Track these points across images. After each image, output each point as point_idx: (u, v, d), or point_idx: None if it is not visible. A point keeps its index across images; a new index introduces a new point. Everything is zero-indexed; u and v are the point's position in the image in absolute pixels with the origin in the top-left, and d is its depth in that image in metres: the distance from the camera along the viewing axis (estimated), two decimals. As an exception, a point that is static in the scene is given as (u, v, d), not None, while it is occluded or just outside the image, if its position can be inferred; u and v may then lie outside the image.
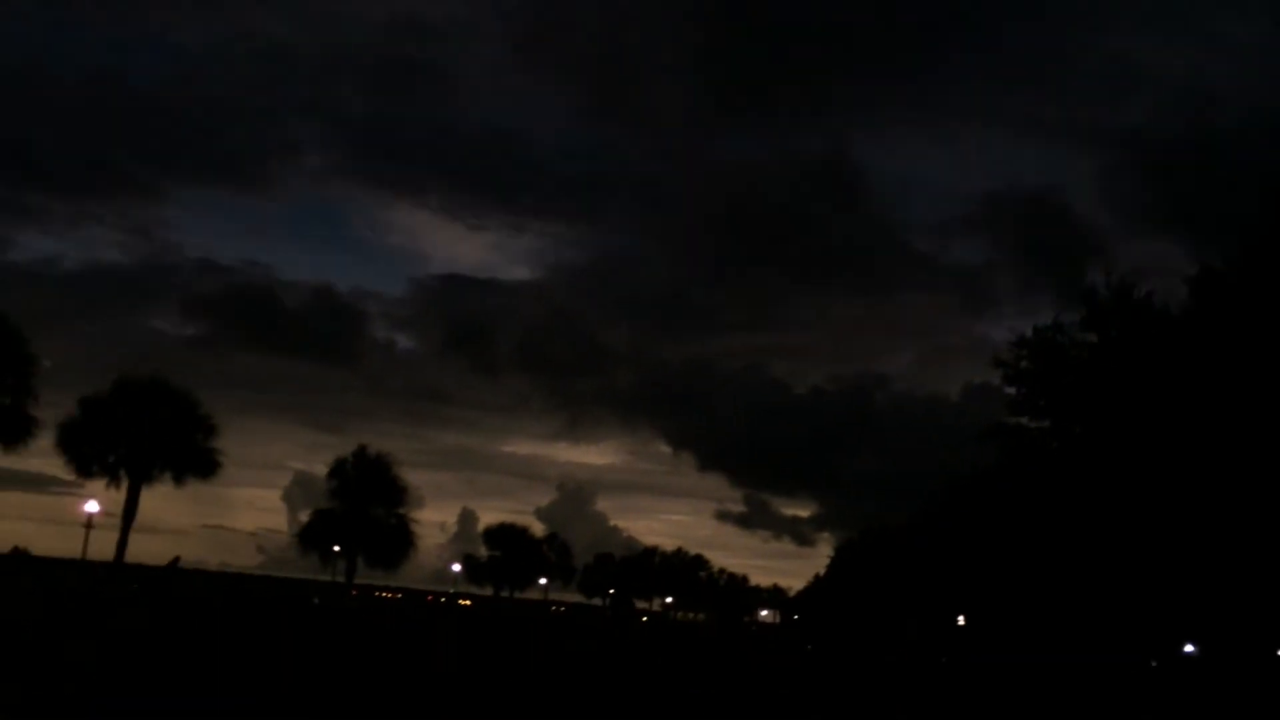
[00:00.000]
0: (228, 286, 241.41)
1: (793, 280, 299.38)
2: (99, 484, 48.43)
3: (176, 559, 31.17)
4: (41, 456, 50.92)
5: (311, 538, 64.43)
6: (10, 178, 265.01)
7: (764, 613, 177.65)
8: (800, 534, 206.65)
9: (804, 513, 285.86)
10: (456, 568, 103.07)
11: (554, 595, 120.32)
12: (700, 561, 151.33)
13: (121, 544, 47.20)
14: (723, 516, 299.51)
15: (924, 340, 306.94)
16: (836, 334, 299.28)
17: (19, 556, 36.90)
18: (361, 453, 65.43)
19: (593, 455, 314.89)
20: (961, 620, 62.67)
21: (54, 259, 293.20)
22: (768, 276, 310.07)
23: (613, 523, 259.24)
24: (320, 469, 67.37)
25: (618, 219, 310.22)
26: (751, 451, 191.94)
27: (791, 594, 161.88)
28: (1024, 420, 37.01)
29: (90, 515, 47.09)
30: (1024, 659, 45.80)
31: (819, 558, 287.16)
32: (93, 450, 47.51)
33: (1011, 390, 36.93)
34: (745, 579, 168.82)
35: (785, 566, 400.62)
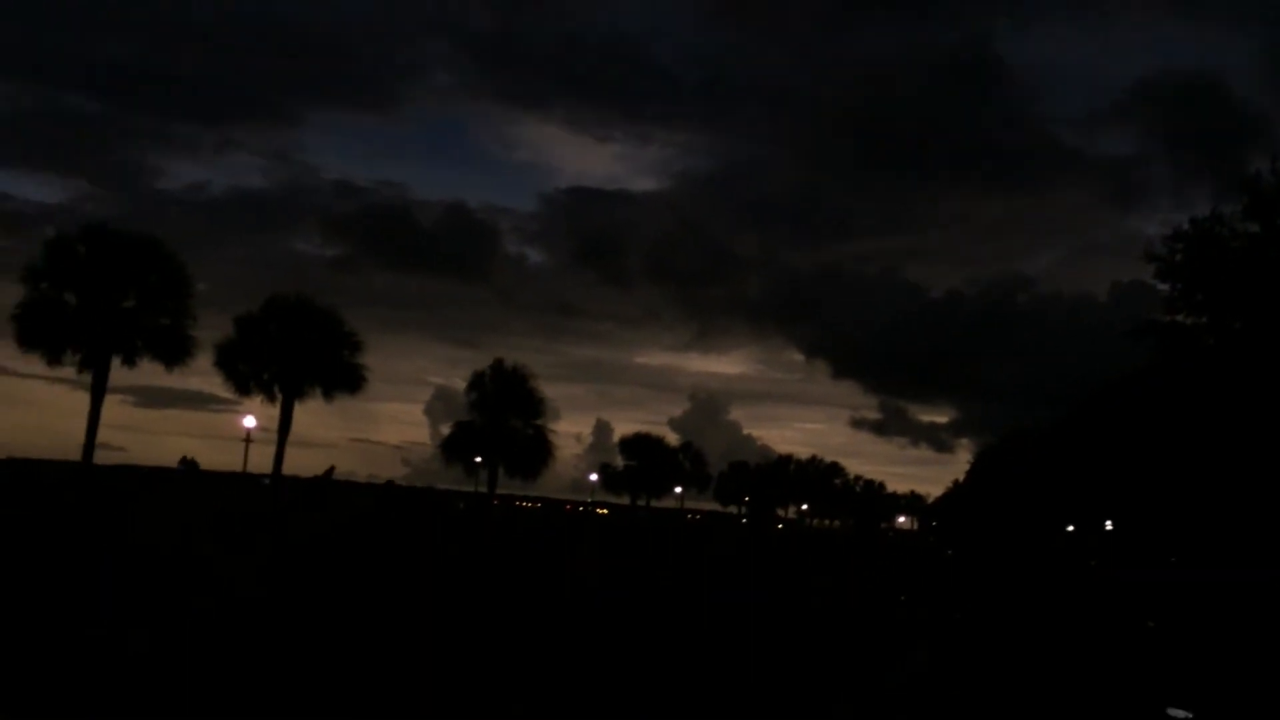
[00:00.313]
0: (364, 207, 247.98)
1: (929, 180, 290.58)
2: (255, 400, 51.00)
3: (331, 469, 32.82)
4: (201, 375, 53.67)
5: (454, 449, 66.64)
6: (159, 109, 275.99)
7: (901, 519, 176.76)
8: (938, 440, 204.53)
9: (942, 419, 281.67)
10: (593, 477, 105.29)
11: (690, 504, 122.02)
12: (836, 469, 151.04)
13: (278, 457, 49.60)
14: (858, 424, 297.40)
15: (1070, 238, 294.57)
16: (976, 234, 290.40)
17: (189, 466, 39.17)
18: (498, 366, 66.98)
19: (724, 365, 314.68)
20: (1109, 526, 61.06)
21: (202, 186, 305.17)
22: (902, 177, 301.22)
23: (746, 432, 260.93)
24: (459, 383, 69.65)
25: (745, 125, 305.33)
26: (887, 358, 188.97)
27: (929, 501, 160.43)
28: (1179, 317, 35.61)
29: (249, 430, 49.71)
30: (1174, 572, 44.31)
31: (958, 464, 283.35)
32: (248, 368, 49.69)
33: (1165, 287, 35.63)
34: (881, 486, 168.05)
35: (923, 473, 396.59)
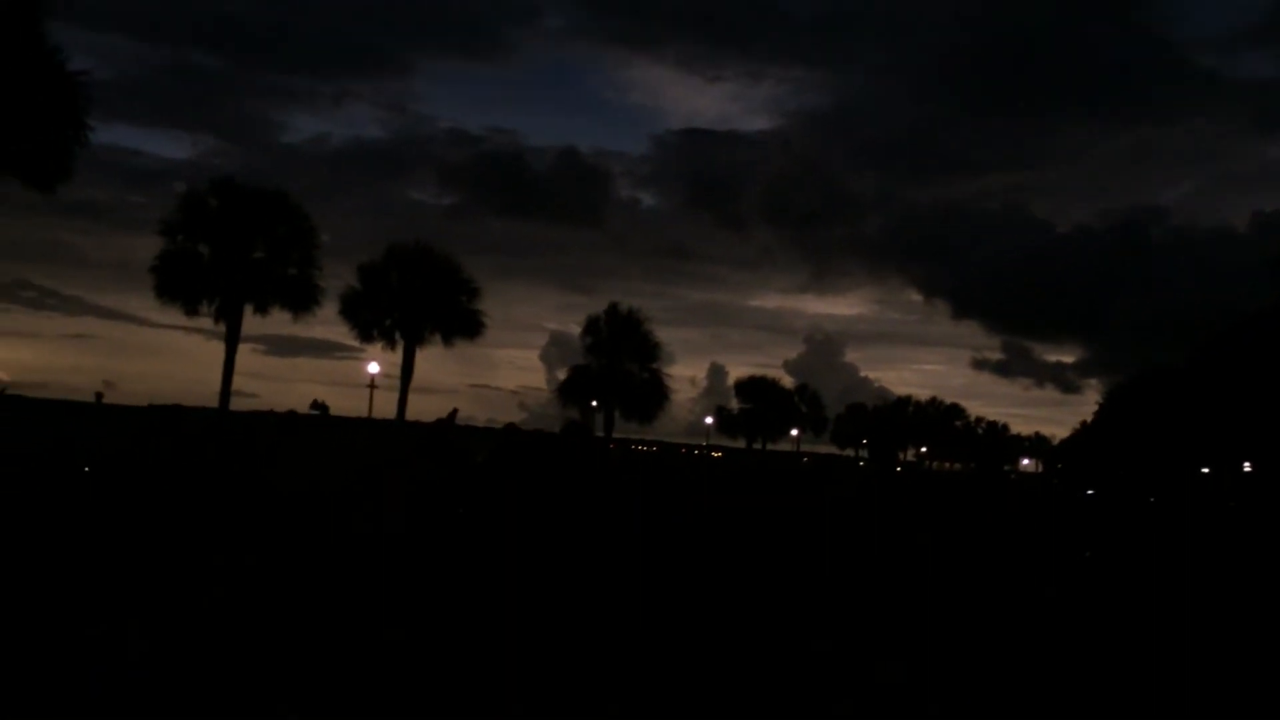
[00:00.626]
0: (477, 155, 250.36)
1: (1056, 110, 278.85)
2: (377, 347, 52.42)
3: (454, 411, 33.30)
4: (326, 324, 55.26)
5: (570, 393, 67.43)
6: (280, 64, 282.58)
7: (1025, 462, 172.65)
8: (1064, 381, 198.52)
9: (1068, 358, 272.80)
10: (709, 420, 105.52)
11: (806, 447, 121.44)
12: (956, 410, 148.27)
13: (401, 402, 50.97)
14: (979, 365, 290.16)
15: (1206, 167, 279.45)
16: (1106, 166, 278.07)
17: (321, 408, 40.43)
18: (613, 310, 67.32)
19: (840, 306, 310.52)
20: (1248, 467, 58.63)
21: (322, 138, 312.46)
22: (1028, 108, 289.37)
23: (863, 374, 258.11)
24: (573, 328, 70.30)
25: (861, 59, 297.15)
26: (1010, 296, 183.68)
27: (1055, 442, 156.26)
28: None
29: (372, 377, 51.23)
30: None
31: (1085, 405, 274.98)
32: (371, 315, 51.10)
33: None
34: (1005, 428, 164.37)
35: (1048, 415, 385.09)
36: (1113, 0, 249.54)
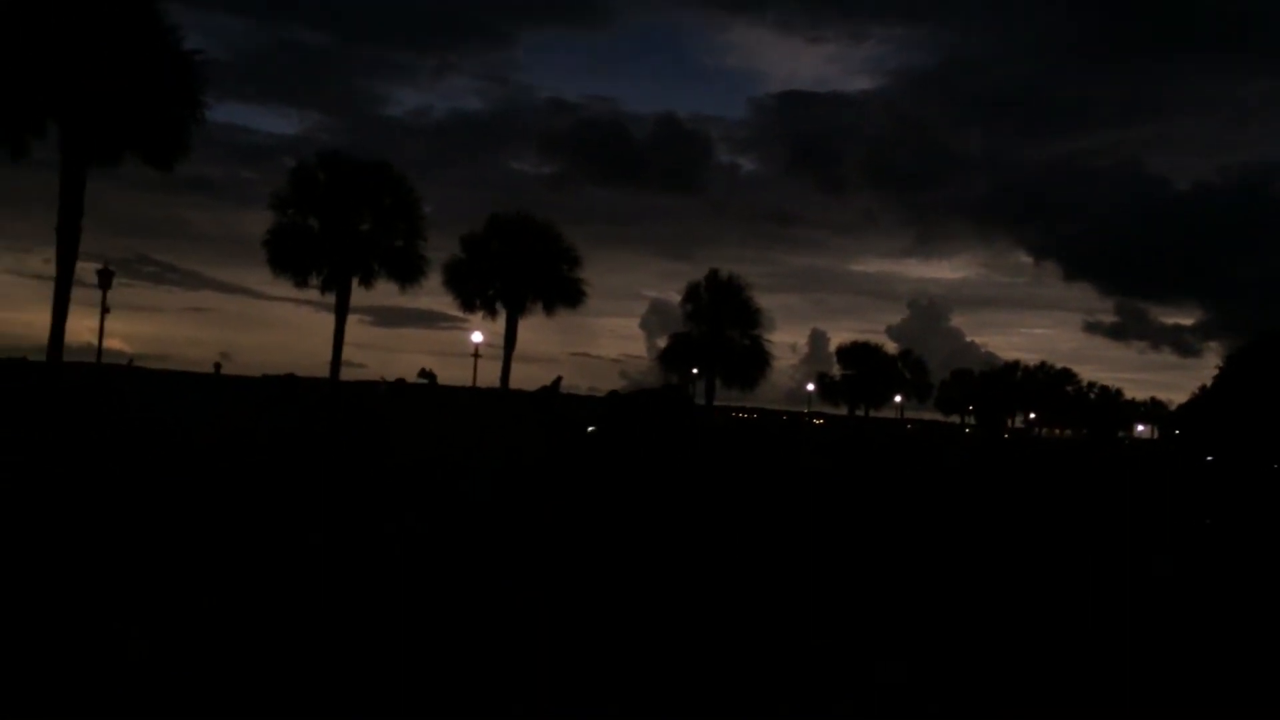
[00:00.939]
0: (577, 123, 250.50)
1: (1174, 62, 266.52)
2: (480, 317, 53.24)
3: (559, 379, 33.82)
4: (430, 295, 56.05)
5: (671, 361, 67.45)
6: (381, 38, 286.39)
7: (1140, 428, 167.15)
8: (1182, 344, 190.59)
9: (1186, 321, 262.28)
10: (810, 387, 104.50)
11: (909, 414, 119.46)
12: (1067, 375, 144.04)
13: (505, 371, 51.70)
14: (1092, 328, 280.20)
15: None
16: (1229, 119, 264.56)
17: (429, 377, 41.33)
18: (713, 277, 67.03)
19: (945, 270, 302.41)
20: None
21: (424, 110, 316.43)
22: (1144, 61, 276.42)
23: (969, 339, 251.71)
24: (673, 296, 69.94)
25: (965, 13, 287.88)
26: (1125, 257, 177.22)
27: (1172, 408, 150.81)
28: None
29: (476, 346, 52.06)
30: None
31: (1204, 369, 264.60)
32: (474, 285, 51.84)
33: None
34: (1118, 393, 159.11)
35: (1164, 379, 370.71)
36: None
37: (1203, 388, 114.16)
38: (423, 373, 40.02)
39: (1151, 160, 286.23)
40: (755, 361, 66.90)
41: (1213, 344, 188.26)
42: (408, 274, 46.03)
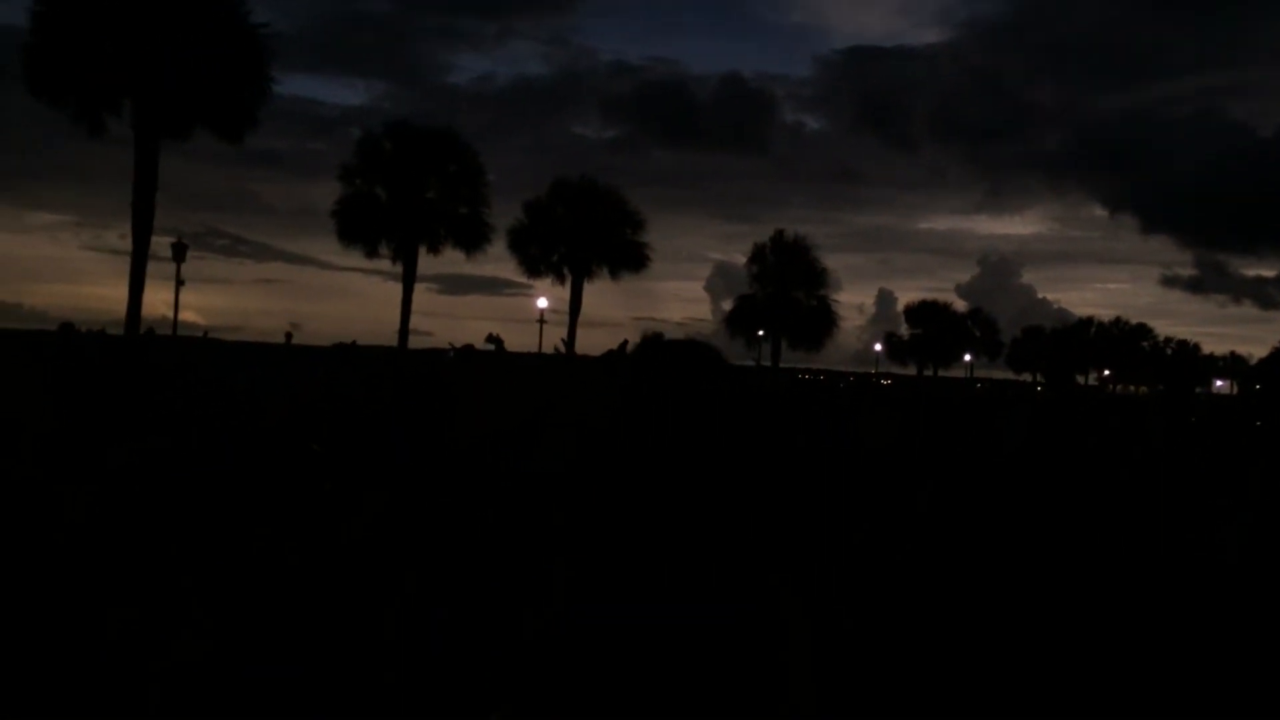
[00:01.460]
0: (639, 86, 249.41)
1: (1255, 3, 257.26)
2: (545, 283, 53.63)
3: (625, 343, 34.04)
4: (495, 262, 56.42)
5: (736, 323, 67.31)
6: (445, 6, 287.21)
7: (1219, 383, 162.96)
8: (1264, 296, 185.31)
9: (1269, 273, 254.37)
10: (878, 347, 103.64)
11: (980, 373, 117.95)
12: (1143, 330, 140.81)
13: (570, 336, 52.05)
14: (1169, 282, 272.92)
15: None
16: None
17: (497, 342, 41.63)
18: (779, 238, 66.65)
19: (1016, 225, 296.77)
20: None
21: (487, 77, 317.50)
22: (1222, 3, 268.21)
23: (1041, 295, 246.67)
24: (738, 258, 69.98)
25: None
26: (1206, 208, 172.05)
27: (1252, 362, 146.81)
28: None
29: (542, 311, 52.53)
30: None
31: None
32: (539, 250, 52.20)
33: None
34: (1196, 347, 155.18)
35: (1245, 333, 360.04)
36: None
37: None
38: (490, 338, 40.43)
39: (1233, 107, 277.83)
40: (821, 322, 66.53)
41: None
42: (473, 241, 46.54)
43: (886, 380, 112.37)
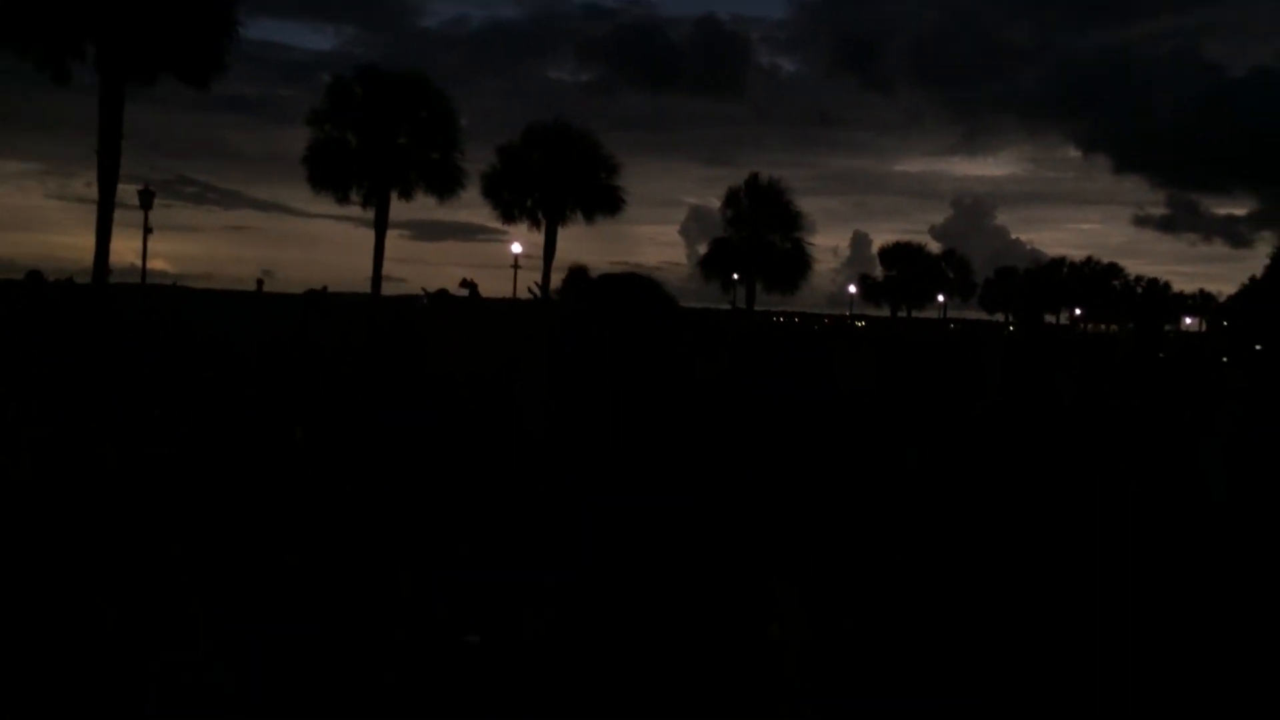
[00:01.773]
0: (614, 29, 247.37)
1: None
2: (520, 228, 53.35)
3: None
4: (469, 208, 56.14)
5: (711, 267, 67.33)
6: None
7: (1188, 320, 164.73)
8: (1235, 234, 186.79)
9: (1240, 211, 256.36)
10: (852, 289, 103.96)
11: (954, 313, 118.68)
12: (1114, 270, 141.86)
13: (545, 281, 51.90)
14: (1141, 221, 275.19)
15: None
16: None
17: (471, 287, 41.39)
18: (753, 181, 66.50)
19: (991, 167, 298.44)
20: None
21: (460, 20, 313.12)
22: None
23: (1015, 236, 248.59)
24: (714, 202, 69.79)
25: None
26: (1178, 147, 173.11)
27: (1222, 300, 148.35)
28: None
29: (516, 256, 52.30)
30: None
31: (1257, 259, 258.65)
32: (513, 196, 51.84)
33: None
34: (1166, 286, 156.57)
35: (1216, 271, 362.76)
36: None
37: (1252, 278, 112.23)
38: (464, 283, 40.32)
39: (1207, 47, 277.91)
40: (796, 265, 66.63)
41: (1266, 233, 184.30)
42: (446, 186, 46.14)
43: (861, 322, 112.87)
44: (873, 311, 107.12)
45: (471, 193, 49.99)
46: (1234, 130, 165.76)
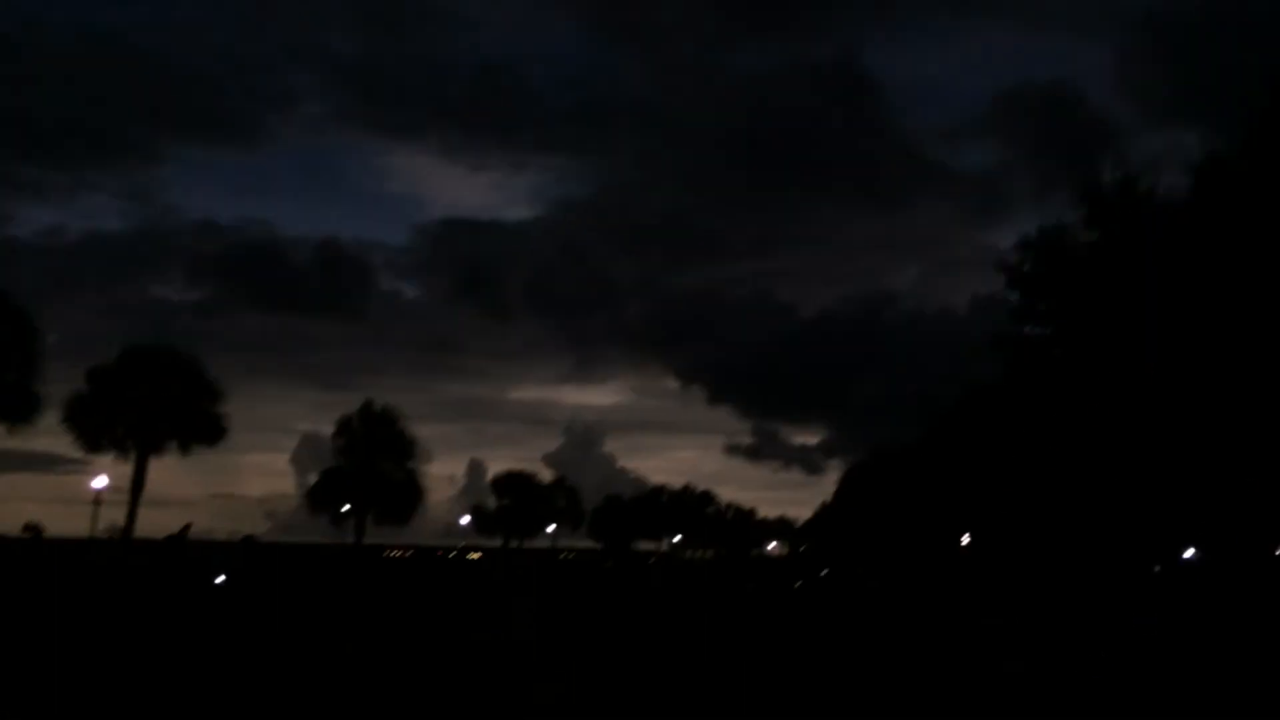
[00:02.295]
0: (229, 246, 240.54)
1: (799, 198, 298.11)
2: (106, 459, 48.55)
3: (187, 526, 31.27)
4: (49, 435, 50.80)
5: (320, 498, 64.63)
6: (8, 151, 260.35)
7: (771, 545, 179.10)
8: (809, 462, 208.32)
9: (813, 440, 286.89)
10: (465, 520, 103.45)
11: (565, 542, 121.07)
12: (708, 498, 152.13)
13: (130, 518, 47.27)
14: (732, 450, 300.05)
15: (934, 252, 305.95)
16: (845, 251, 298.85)
17: (33, 531, 36.75)
18: (367, 408, 65.60)
19: (600, 395, 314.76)
20: (966, 539, 62.96)
21: (55, 230, 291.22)
22: (773, 195, 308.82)
23: (621, 464, 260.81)
24: (328, 429, 67.52)
25: (619, 147, 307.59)
26: (760, 380, 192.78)
27: (798, 525, 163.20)
28: (1027, 328, 35.54)
29: (98, 491, 46.86)
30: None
31: (828, 485, 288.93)
32: (100, 423, 47.47)
33: (1015, 297, 35.16)
34: (753, 512, 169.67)
35: (794, 496, 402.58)
36: (855, 92, 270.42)
37: (824, 503, 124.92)
38: (27, 527, 35.90)
39: (782, 289, 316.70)
40: (409, 496, 65.60)
41: (834, 461, 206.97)
42: (19, 413, 41.41)
43: (476, 554, 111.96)
44: (486, 542, 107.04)
45: (53, 418, 45.34)
46: (805, 365, 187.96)
